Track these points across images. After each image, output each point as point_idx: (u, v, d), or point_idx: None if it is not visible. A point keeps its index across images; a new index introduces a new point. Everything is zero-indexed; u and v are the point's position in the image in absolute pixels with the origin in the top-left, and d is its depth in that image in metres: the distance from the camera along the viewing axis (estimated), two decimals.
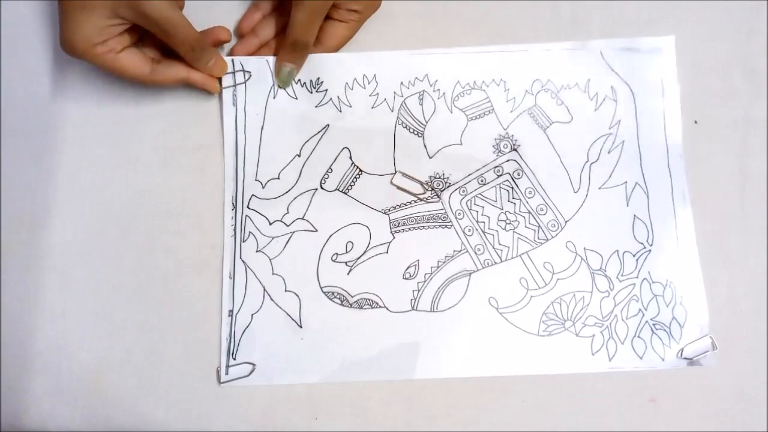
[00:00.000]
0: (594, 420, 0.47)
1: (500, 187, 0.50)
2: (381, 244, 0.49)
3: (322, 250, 0.49)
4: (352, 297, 0.48)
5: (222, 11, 0.52)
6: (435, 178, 0.50)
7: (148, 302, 0.48)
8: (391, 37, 0.52)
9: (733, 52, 0.52)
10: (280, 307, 0.48)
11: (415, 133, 0.50)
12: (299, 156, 0.50)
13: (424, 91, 0.51)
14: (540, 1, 0.52)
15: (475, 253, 0.49)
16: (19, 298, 0.48)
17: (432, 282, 0.48)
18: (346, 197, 0.49)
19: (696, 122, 0.51)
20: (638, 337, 0.47)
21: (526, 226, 0.49)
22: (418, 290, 0.48)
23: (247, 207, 0.49)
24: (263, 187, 0.49)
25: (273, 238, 0.49)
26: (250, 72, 0.50)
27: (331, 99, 0.51)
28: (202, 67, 0.48)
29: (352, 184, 0.50)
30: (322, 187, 0.50)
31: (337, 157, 0.50)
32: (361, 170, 0.50)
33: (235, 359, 0.47)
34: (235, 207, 0.49)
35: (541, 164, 0.50)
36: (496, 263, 0.49)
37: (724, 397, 0.47)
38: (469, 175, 0.50)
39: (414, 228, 0.49)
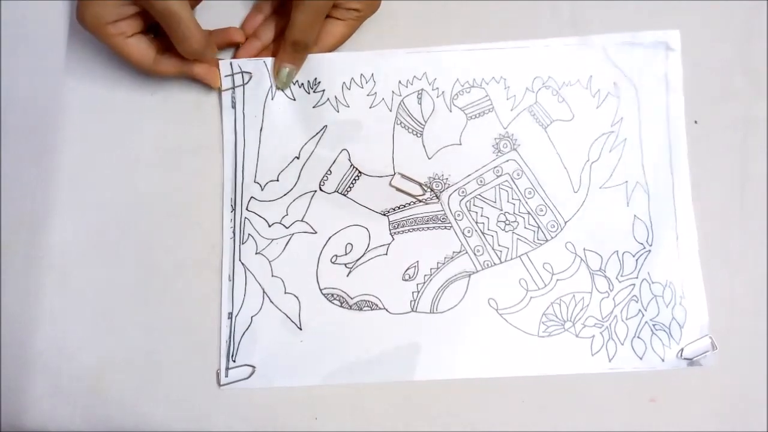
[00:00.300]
0: (594, 420, 0.47)
1: (500, 188, 0.50)
2: (380, 246, 0.49)
3: (321, 252, 0.49)
4: (351, 299, 0.48)
5: (226, 11, 0.52)
6: (434, 179, 0.50)
7: (148, 302, 0.48)
8: (390, 36, 0.51)
9: (733, 52, 0.51)
10: (280, 309, 0.48)
11: (414, 133, 0.50)
12: (298, 158, 0.50)
13: (422, 90, 0.51)
14: (540, 1, 0.52)
15: (475, 254, 0.49)
16: (19, 298, 0.48)
17: (431, 283, 0.48)
18: (346, 199, 0.49)
19: (696, 122, 0.51)
20: (638, 337, 0.47)
21: (525, 227, 0.49)
22: (418, 291, 0.48)
23: (246, 209, 0.49)
24: (262, 189, 0.49)
25: (272, 240, 0.49)
26: (250, 73, 0.50)
27: (328, 99, 0.50)
28: (196, 73, 0.48)
29: (351, 185, 0.50)
30: (321, 189, 0.50)
31: (335, 159, 0.50)
32: (360, 172, 0.50)
33: (234, 361, 0.47)
34: (234, 209, 0.49)
35: (541, 164, 0.50)
36: (495, 264, 0.49)
37: (724, 397, 0.47)
38: (469, 175, 0.50)
39: (413, 229, 0.49)
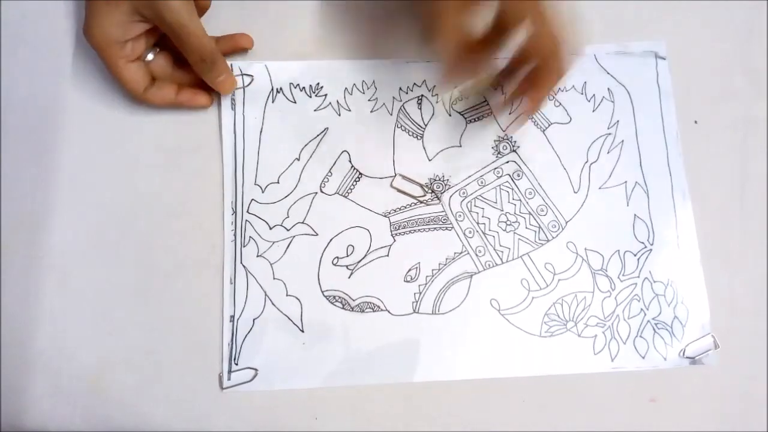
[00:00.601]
0: (594, 420, 0.47)
1: (500, 189, 0.50)
2: (382, 247, 0.49)
3: (322, 254, 0.48)
4: (353, 300, 0.48)
5: (231, 17, 0.52)
6: (435, 180, 0.50)
7: (148, 302, 0.48)
8: (392, 46, 0.52)
9: (733, 52, 0.52)
10: (282, 312, 0.47)
11: (414, 135, 0.50)
12: (298, 160, 0.50)
13: (422, 95, 0.51)
14: None
15: (476, 254, 0.49)
16: (19, 298, 0.48)
17: (433, 284, 0.48)
18: (346, 200, 0.49)
19: (696, 122, 0.51)
20: (640, 336, 0.47)
21: (526, 227, 0.49)
22: (420, 293, 0.48)
23: (247, 212, 0.49)
24: (263, 192, 0.49)
25: (273, 242, 0.48)
26: (251, 76, 0.50)
27: (330, 103, 0.51)
28: (210, 81, 0.48)
29: (352, 187, 0.50)
30: (321, 191, 0.49)
31: (336, 160, 0.50)
32: (360, 173, 0.50)
33: (237, 364, 0.47)
34: (235, 211, 0.49)
35: (540, 165, 0.50)
36: (497, 265, 0.49)
37: (724, 397, 0.47)
38: (469, 176, 0.50)
39: (414, 231, 0.49)
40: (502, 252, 0.49)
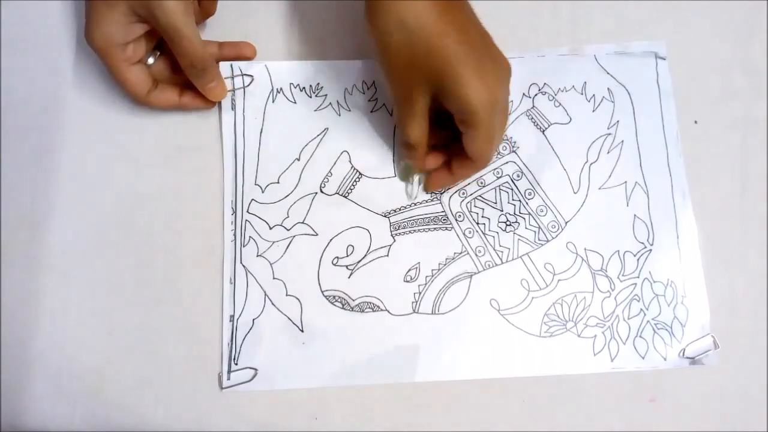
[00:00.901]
0: (594, 420, 0.46)
1: (500, 189, 0.50)
2: (381, 247, 0.49)
3: (322, 254, 0.48)
4: (353, 300, 0.48)
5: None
6: None
7: (148, 302, 0.48)
8: None
9: (733, 52, 0.52)
10: (282, 312, 0.47)
11: None
12: (299, 160, 0.50)
13: None
14: (540, 2, 0.53)
15: (476, 254, 0.49)
16: (19, 298, 0.48)
17: (433, 284, 0.48)
18: (347, 201, 0.49)
19: (696, 122, 0.51)
20: (640, 337, 0.47)
21: (526, 228, 0.49)
22: (420, 293, 0.48)
23: (247, 211, 0.49)
24: (263, 192, 0.49)
25: (273, 242, 0.49)
26: (251, 76, 0.51)
27: (330, 104, 0.51)
28: (200, 86, 0.48)
29: (352, 187, 0.50)
30: (322, 191, 0.50)
31: (336, 160, 0.50)
32: (360, 173, 0.50)
33: (237, 364, 0.47)
34: (234, 211, 0.49)
35: (540, 165, 0.50)
36: (497, 265, 0.49)
37: (724, 397, 0.47)
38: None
39: (414, 231, 0.49)
40: (501, 252, 0.49)
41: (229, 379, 0.46)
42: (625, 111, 0.51)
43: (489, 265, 0.49)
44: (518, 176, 0.50)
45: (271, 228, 0.49)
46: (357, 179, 0.50)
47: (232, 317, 0.47)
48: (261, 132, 0.50)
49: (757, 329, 0.48)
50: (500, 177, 0.50)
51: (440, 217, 0.49)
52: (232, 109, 0.50)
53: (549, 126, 0.51)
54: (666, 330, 0.48)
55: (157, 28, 0.44)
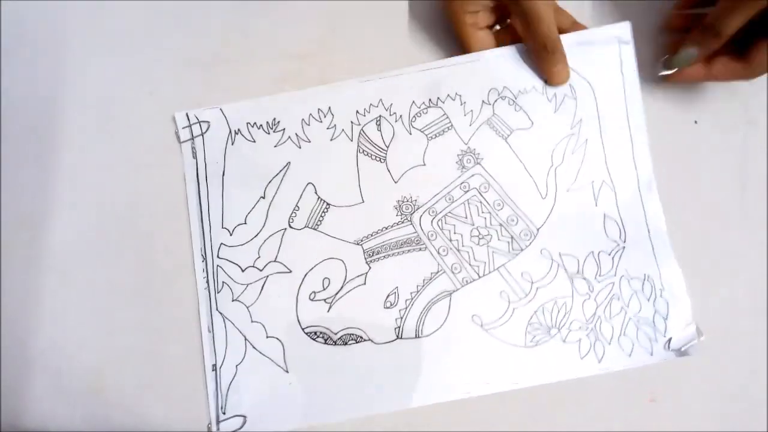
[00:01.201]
0: (594, 420, 0.47)
1: (469, 203, 0.50)
2: (358, 276, 0.48)
3: (298, 291, 0.48)
4: (335, 334, 0.47)
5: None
6: (403, 202, 0.49)
7: (148, 302, 0.48)
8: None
9: None
10: (264, 355, 0.47)
11: (377, 159, 0.50)
12: (263, 197, 0.49)
13: (380, 116, 0.51)
14: None
15: (453, 272, 0.48)
16: (19, 298, 0.48)
17: (413, 307, 0.48)
18: (317, 233, 0.49)
19: (696, 122, 0.51)
20: (624, 335, 0.47)
21: (499, 239, 0.49)
22: (401, 318, 0.48)
23: (218, 257, 0.48)
24: (231, 234, 0.49)
25: (247, 285, 0.48)
26: (208, 122, 0.50)
27: (289, 137, 0.50)
28: (545, 69, 0.49)
29: (321, 219, 0.49)
30: (291, 226, 0.49)
31: (302, 193, 0.50)
32: (328, 204, 0.49)
33: (225, 414, 0.46)
34: (205, 259, 0.48)
35: (506, 175, 0.50)
36: (474, 280, 0.48)
37: (724, 397, 0.47)
38: (437, 194, 0.50)
39: (388, 255, 0.49)
40: (477, 266, 0.49)
41: (218, 429, 0.46)
42: (587, 107, 0.50)
43: (467, 281, 0.48)
44: (485, 188, 0.50)
45: (243, 270, 0.48)
46: (325, 210, 0.49)
47: (214, 366, 0.47)
48: (223, 175, 0.50)
49: (757, 329, 0.48)
50: (468, 191, 0.50)
51: (413, 239, 0.49)
52: (194, 157, 0.50)
53: (511, 133, 0.51)
54: (649, 325, 0.48)
55: (512, 8, 0.47)
